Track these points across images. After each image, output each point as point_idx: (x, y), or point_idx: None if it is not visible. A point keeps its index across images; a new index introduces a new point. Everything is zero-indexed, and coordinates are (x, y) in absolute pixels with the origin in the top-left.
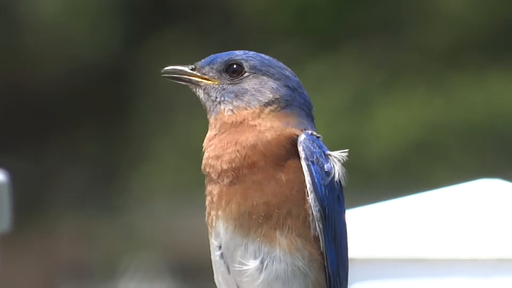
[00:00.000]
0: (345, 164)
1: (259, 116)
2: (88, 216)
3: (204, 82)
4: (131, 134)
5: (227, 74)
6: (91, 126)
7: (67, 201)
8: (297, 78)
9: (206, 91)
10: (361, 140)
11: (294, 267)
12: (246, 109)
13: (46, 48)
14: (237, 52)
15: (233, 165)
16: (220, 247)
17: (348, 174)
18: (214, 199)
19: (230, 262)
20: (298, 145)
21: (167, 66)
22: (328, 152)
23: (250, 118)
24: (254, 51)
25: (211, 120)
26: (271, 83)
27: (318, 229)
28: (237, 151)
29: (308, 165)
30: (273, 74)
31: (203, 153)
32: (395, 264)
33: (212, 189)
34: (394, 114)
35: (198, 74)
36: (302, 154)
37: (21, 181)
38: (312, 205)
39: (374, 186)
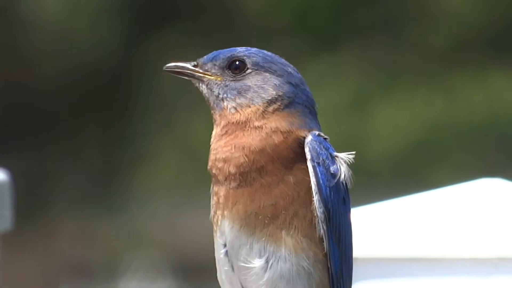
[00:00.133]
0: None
1: (263, 116)
2: (89, 215)
3: (207, 78)
4: (132, 133)
5: (230, 71)
6: (92, 126)
7: (68, 201)
8: (299, 75)
9: (209, 86)
10: (361, 140)
11: (299, 267)
12: (250, 106)
13: (46, 48)
14: (240, 48)
15: (241, 169)
16: (224, 245)
17: (352, 173)
18: (221, 200)
19: (234, 261)
20: (305, 147)
21: (169, 63)
22: (335, 153)
23: (254, 118)
24: None
25: (216, 116)
26: (274, 80)
27: (322, 230)
28: (246, 155)
29: (313, 167)
30: (275, 71)
31: (210, 153)
32: (397, 263)
33: (219, 190)
34: (394, 114)
35: (201, 70)
36: (308, 156)
37: (22, 181)
38: (316, 206)
39: (375, 185)
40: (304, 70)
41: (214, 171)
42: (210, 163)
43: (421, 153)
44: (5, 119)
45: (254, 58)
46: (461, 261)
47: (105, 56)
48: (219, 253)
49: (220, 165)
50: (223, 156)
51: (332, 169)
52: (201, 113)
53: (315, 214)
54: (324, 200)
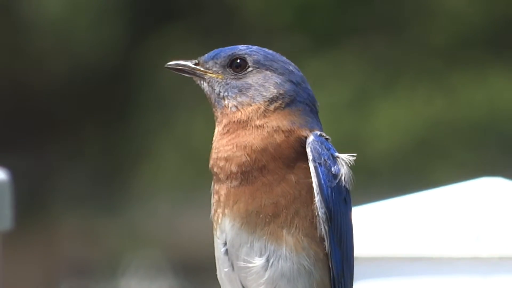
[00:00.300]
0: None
1: (264, 115)
2: (90, 214)
3: (209, 75)
4: (132, 132)
5: (231, 69)
6: (93, 125)
7: (68, 200)
8: (300, 73)
9: (210, 84)
10: (362, 138)
11: (300, 265)
12: (251, 105)
13: (47, 47)
14: (241, 46)
15: (243, 168)
16: (225, 244)
17: (352, 174)
18: (222, 199)
19: (235, 259)
20: (306, 147)
21: (170, 61)
22: (337, 154)
23: (255, 117)
24: None
25: (217, 114)
26: (275, 78)
27: (323, 230)
28: (247, 154)
29: (315, 167)
30: (276, 69)
31: (212, 152)
32: (398, 262)
33: (220, 189)
34: (395, 112)
35: (202, 68)
36: (310, 156)
37: (23, 180)
38: (318, 207)
39: (375, 184)
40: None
41: (215, 169)
42: (211, 162)
43: (421, 152)
44: (7, 118)
45: (255, 56)
46: (461, 260)
47: (106, 55)
48: (219, 251)
49: (221, 163)
50: (225, 155)
51: (333, 169)
52: (201, 112)
53: (316, 214)
54: (325, 200)
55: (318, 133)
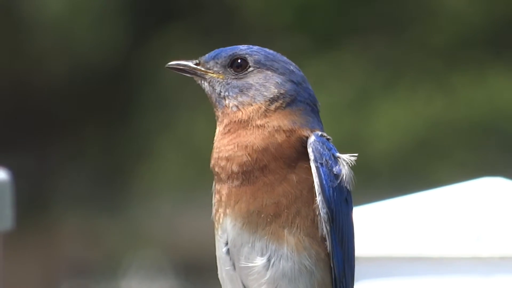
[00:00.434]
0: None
1: (265, 114)
2: (90, 214)
3: (209, 75)
4: (133, 133)
5: (232, 69)
6: (94, 125)
7: (69, 200)
8: (301, 73)
9: (211, 84)
10: (362, 138)
11: (301, 265)
12: (251, 105)
13: (48, 47)
14: (241, 46)
15: (244, 168)
16: (226, 244)
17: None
18: (223, 198)
19: (236, 259)
20: (308, 147)
21: (170, 61)
22: (338, 154)
23: (256, 117)
24: None
25: (218, 114)
26: (276, 78)
27: (325, 230)
28: (248, 154)
29: (317, 167)
30: (277, 69)
31: (213, 151)
32: (398, 262)
33: (221, 189)
34: (395, 112)
35: (203, 68)
36: (311, 156)
37: (23, 180)
38: (319, 207)
39: (376, 184)
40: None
41: (216, 169)
42: (212, 161)
43: (422, 152)
44: (7, 118)
45: (256, 56)
46: (462, 260)
47: (106, 55)
48: (221, 251)
49: (223, 163)
50: (226, 155)
51: (335, 170)
52: (203, 112)
53: (318, 213)
54: (327, 200)
55: (319, 133)
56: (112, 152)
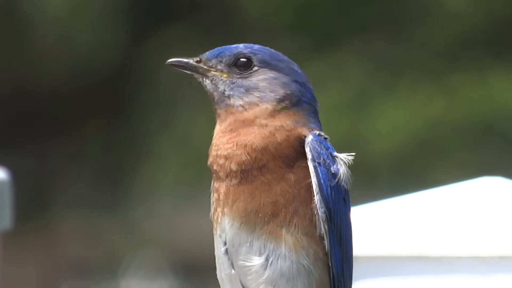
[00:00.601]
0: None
1: (271, 115)
2: (90, 214)
3: (212, 73)
4: (133, 132)
5: (236, 68)
6: (94, 125)
7: (69, 200)
8: (303, 73)
9: (214, 82)
10: (362, 138)
11: (299, 265)
12: (258, 105)
13: (49, 48)
14: (244, 45)
15: (243, 167)
16: (225, 243)
17: (351, 173)
18: (221, 197)
19: (234, 258)
20: (305, 146)
21: (172, 58)
22: (335, 153)
23: (262, 117)
24: None
25: (221, 112)
26: (282, 78)
27: (323, 229)
28: (247, 153)
29: (315, 167)
30: (282, 69)
31: (211, 149)
32: (398, 262)
33: (219, 187)
34: (395, 112)
35: (205, 66)
36: (309, 155)
37: (23, 180)
38: (317, 206)
39: (376, 184)
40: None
41: (215, 167)
42: (211, 159)
43: (421, 152)
44: (7, 117)
45: (261, 56)
46: (461, 260)
47: (106, 55)
48: (219, 250)
49: (221, 161)
50: (225, 153)
51: (332, 169)
52: (203, 112)
53: (316, 213)
54: (325, 200)
55: (317, 132)
56: (112, 152)
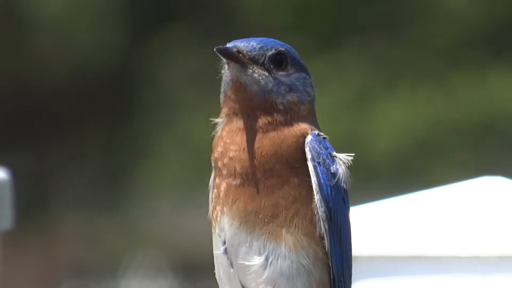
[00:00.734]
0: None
1: (303, 115)
2: (90, 214)
3: (254, 66)
4: (133, 133)
5: (274, 63)
6: (94, 125)
7: (69, 200)
8: None
9: (254, 75)
10: (363, 138)
11: (299, 264)
12: (297, 104)
13: (49, 48)
14: (275, 40)
15: (248, 170)
16: (224, 243)
17: (351, 173)
18: (221, 195)
19: (234, 258)
20: (305, 146)
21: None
22: (335, 153)
23: (296, 117)
24: None
25: (251, 106)
26: (309, 79)
27: (323, 229)
28: (255, 158)
29: (314, 166)
30: (306, 69)
31: (218, 144)
32: (398, 262)
33: (220, 184)
34: (396, 112)
35: (246, 58)
36: (308, 155)
37: (23, 180)
38: (317, 206)
39: (376, 183)
40: None
41: (219, 164)
42: (216, 155)
43: (422, 151)
44: (7, 117)
45: (292, 54)
46: (462, 260)
47: (107, 55)
48: (218, 250)
49: (226, 160)
50: (231, 155)
51: (332, 169)
52: (203, 112)
53: (316, 213)
54: (325, 199)
55: (316, 132)
56: (112, 152)
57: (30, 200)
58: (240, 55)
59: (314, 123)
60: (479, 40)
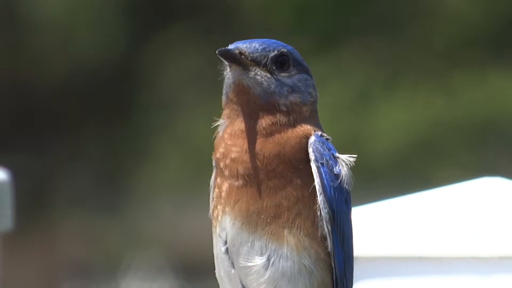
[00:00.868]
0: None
1: (305, 116)
2: (90, 215)
3: (255, 68)
4: (133, 133)
5: (276, 65)
6: (94, 125)
7: (69, 200)
8: None
9: (257, 77)
10: (363, 139)
11: (301, 265)
12: (300, 106)
13: (49, 48)
14: (277, 41)
15: (250, 171)
16: (225, 243)
17: (352, 174)
18: (223, 195)
19: (235, 258)
20: (308, 147)
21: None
22: (337, 154)
23: (298, 119)
24: None
25: (253, 107)
26: (311, 80)
27: (326, 230)
28: (258, 159)
29: (318, 167)
30: (308, 70)
31: (219, 145)
32: (398, 262)
33: (222, 184)
34: (396, 112)
35: (248, 59)
36: (312, 156)
37: (23, 180)
38: (321, 207)
39: (376, 184)
40: None
41: (221, 165)
42: (218, 155)
43: (422, 152)
44: (7, 118)
45: (294, 55)
46: (461, 260)
47: (106, 55)
48: (219, 250)
49: (228, 161)
50: (232, 156)
51: (335, 170)
52: (203, 112)
53: (319, 214)
54: (328, 200)
55: (319, 133)
56: (112, 152)
57: (30, 200)
58: (242, 56)
59: (316, 124)
60: (479, 40)
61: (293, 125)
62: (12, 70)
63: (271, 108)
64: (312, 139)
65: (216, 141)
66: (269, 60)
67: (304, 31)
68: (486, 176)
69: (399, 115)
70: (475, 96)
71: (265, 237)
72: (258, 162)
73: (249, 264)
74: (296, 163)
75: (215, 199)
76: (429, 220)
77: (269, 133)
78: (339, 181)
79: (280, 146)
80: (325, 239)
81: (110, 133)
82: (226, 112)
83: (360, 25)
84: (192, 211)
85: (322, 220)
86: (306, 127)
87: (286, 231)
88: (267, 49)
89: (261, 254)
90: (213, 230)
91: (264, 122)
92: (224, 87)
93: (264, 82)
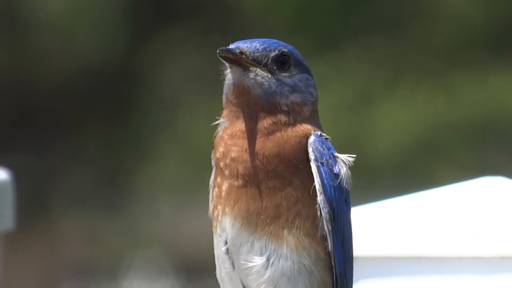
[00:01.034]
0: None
1: (306, 116)
2: (91, 215)
3: (255, 68)
4: (133, 133)
5: (277, 65)
6: (95, 125)
7: (70, 200)
8: None
9: (257, 77)
10: (363, 139)
11: (300, 265)
12: (300, 106)
13: (49, 47)
14: (278, 41)
15: (250, 171)
16: (225, 243)
17: (352, 174)
18: (223, 195)
19: (235, 258)
20: (308, 147)
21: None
22: (336, 154)
23: (299, 119)
24: None
25: (254, 108)
26: (312, 80)
27: (326, 230)
28: (258, 159)
29: (318, 167)
30: (309, 70)
31: (219, 144)
32: (398, 262)
33: (222, 184)
34: (396, 112)
35: (249, 59)
36: (312, 156)
37: (24, 180)
38: (321, 207)
39: (377, 184)
40: None
41: (221, 164)
42: (217, 155)
43: (422, 152)
44: (8, 117)
45: (295, 55)
46: (462, 260)
47: (107, 55)
48: (220, 250)
49: (228, 161)
50: (233, 155)
51: (335, 169)
52: (203, 112)
53: (319, 214)
54: (329, 200)
55: (319, 133)
56: (112, 152)
57: (31, 200)
58: (243, 56)
59: (317, 124)
60: (480, 40)
61: (293, 124)
62: (12, 70)
63: (271, 108)
64: (311, 138)
65: (216, 141)
66: (270, 60)
67: (305, 31)
68: (486, 175)
69: (399, 115)
70: (475, 96)
71: (265, 237)
72: (258, 161)
73: (249, 264)
74: (296, 162)
75: (214, 198)
76: (429, 220)
77: (269, 133)
78: (339, 180)
79: (280, 145)
80: (325, 239)
81: (110, 132)
82: (226, 112)
83: (360, 25)
84: (192, 210)
85: (322, 220)
86: (306, 127)
87: (285, 231)
88: (268, 49)
89: (261, 254)
90: (214, 230)
91: (265, 122)
92: (225, 87)
93: (265, 83)
